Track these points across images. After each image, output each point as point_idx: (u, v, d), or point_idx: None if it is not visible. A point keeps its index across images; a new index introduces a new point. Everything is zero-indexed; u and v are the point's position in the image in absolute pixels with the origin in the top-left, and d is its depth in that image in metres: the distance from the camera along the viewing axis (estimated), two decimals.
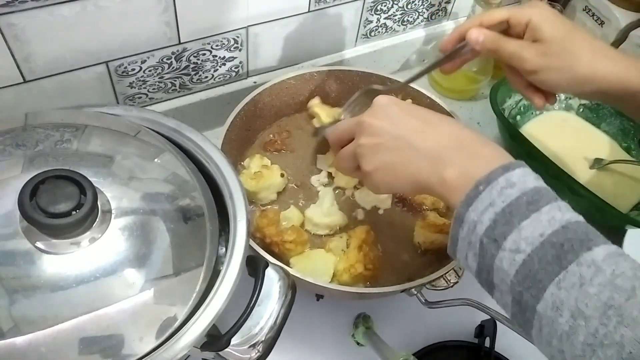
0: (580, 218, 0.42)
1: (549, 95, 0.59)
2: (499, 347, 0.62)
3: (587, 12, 0.91)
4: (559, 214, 0.41)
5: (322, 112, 0.74)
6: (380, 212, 0.70)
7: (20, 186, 0.35)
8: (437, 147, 0.46)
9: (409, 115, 0.49)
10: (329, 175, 0.72)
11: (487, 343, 0.63)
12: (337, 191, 0.71)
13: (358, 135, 0.51)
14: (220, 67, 0.76)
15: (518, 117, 0.85)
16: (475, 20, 0.57)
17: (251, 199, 0.67)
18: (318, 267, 0.61)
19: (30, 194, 0.35)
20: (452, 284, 0.61)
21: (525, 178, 0.42)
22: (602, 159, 0.81)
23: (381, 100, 0.51)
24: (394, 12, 0.85)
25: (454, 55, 0.60)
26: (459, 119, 0.68)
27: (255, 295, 0.41)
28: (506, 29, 0.57)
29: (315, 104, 0.74)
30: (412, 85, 0.76)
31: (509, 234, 0.39)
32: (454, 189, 0.43)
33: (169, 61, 0.70)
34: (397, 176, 0.48)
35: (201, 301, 0.40)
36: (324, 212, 0.66)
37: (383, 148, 0.49)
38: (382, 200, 0.70)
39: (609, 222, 0.74)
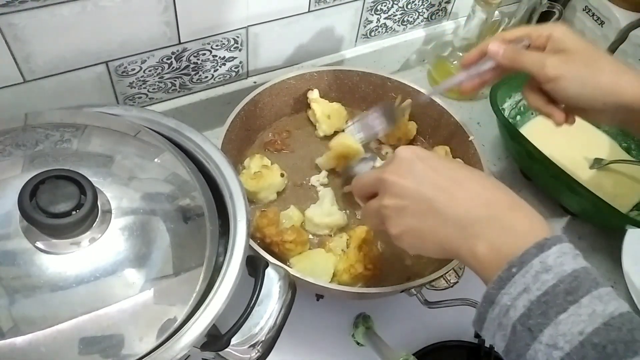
0: (624, 307, 0.37)
1: (568, 115, 0.58)
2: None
3: (587, 12, 0.91)
4: (600, 306, 0.36)
5: (319, 108, 0.74)
6: None
7: (20, 186, 0.35)
8: (466, 215, 0.43)
9: (434, 172, 0.46)
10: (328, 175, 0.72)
11: (487, 343, 0.63)
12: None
13: (381, 193, 0.48)
14: (220, 67, 0.76)
15: (518, 117, 0.85)
16: (496, 37, 0.58)
17: (251, 199, 0.67)
18: (318, 267, 0.61)
19: (30, 194, 0.35)
20: (452, 284, 0.61)
21: (562, 259, 0.38)
22: (602, 159, 0.81)
23: (403, 153, 0.48)
24: (394, 12, 0.85)
25: (474, 73, 0.59)
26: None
27: (255, 295, 0.41)
28: (527, 46, 0.56)
29: (314, 98, 0.75)
30: (412, 85, 0.76)
31: (546, 327, 0.36)
32: (486, 265, 0.41)
33: (169, 61, 0.70)
34: (425, 242, 0.45)
35: (201, 301, 0.40)
36: (324, 212, 0.66)
37: (408, 211, 0.45)
38: None
39: (609, 222, 0.74)
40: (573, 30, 0.54)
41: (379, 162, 0.63)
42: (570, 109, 0.57)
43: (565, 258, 0.38)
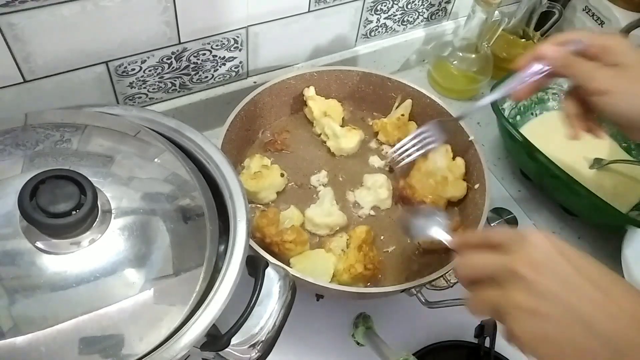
0: None
1: (596, 129, 0.56)
2: (498, 347, 0.62)
3: (587, 12, 0.91)
4: None
5: (315, 105, 0.74)
6: (381, 211, 0.70)
7: (20, 186, 0.35)
8: (620, 335, 0.36)
9: (582, 277, 0.39)
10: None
11: (487, 343, 0.63)
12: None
13: (509, 285, 0.39)
14: (220, 67, 0.76)
15: (518, 117, 0.85)
16: (551, 40, 0.56)
17: (251, 199, 0.67)
18: (318, 267, 0.61)
19: (30, 194, 0.35)
20: (452, 284, 0.61)
21: None
22: (602, 159, 0.81)
23: (539, 241, 0.40)
24: (394, 12, 0.85)
25: (527, 77, 0.56)
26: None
27: (255, 295, 0.41)
28: (581, 52, 0.54)
29: (310, 96, 0.75)
30: (412, 85, 0.76)
31: None
32: None
33: (169, 61, 0.70)
34: (562, 357, 0.38)
35: (201, 301, 0.40)
36: (324, 212, 0.66)
37: (547, 318, 0.38)
38: (382, 200, 0.70)
39: (609, 222, 0.74)
40: (630, 44, 0.52)
41: (444, 221, 0.53)
42: (613, 123, 0.55)
43: None
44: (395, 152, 0.72)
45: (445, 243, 0.48)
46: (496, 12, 0.83)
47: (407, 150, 0.71)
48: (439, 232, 0.50)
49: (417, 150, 0.71)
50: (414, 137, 0.71)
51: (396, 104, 0.78)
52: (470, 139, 0.71)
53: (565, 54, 0.53)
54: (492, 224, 0.72)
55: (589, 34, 0.54)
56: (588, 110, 0.55)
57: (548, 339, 0.38)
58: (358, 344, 0.64)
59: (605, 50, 0.52)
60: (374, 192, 0.69)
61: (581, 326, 0.37)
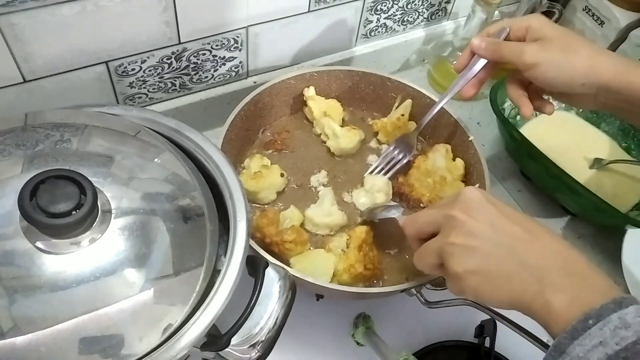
0: None
1: (545, 104, 0.61)
2: (498, 347, 0.62)
3: (587, 12, 0.91)
4: None
5: (315, 105, 0.74)
6: None
7: (20, 186, 0.35)
8: (545, 265, 0.42)
9: (509, 220, 0.45)
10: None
11: (487, 343, 0.63)
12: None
13: (447, 230, 0.46)
14: (220, 67, 0.76)
15: (518, 117, 0.85)
16: (479, 33, 0.61)
17: (251, 199, 0.67)
18: (318, 267, 0.61)
19: (30, 194, 0.35)
20: None
21: None
22: (602, 159, 0.81)
23: (472, 193, 0.47)
24: (394, 12, 0.85)
25: (469, 75, 0.61)
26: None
27: (255, 295, 0.41)
28: (508, 38, 0.59)
29: (310, 96, 0.75)
30: (412, 85, 0.76)
31: None
32: (559, 316, 0.40)
33: (169, 61, 0.70)
34: (494, 288, 0.44)
35: (201, 301, 0.40)
36: (324, 212, 0.66)
37: (479, 252, 0.44)
38: (382, 201, 0.70)
39: (609, 222, 0.74)
40: (548, 20, 0.57)
41: (404, 212, 0.60)
42: (552, 95, 0.60)
43: None
44: (371, 174, 0.72)
45: (397, 219, 0.56)
46: (496, 12, 0.83)
47: (382, 170, 0.72)
48: (394, 213, 0.59)
49: (390, 169, 0.72)
50: (385, 158, 0.73)
51: (396, 104, 0.78)
52: (470, 139, 0.71)
53: (493, 41, 0.59)
54: None
55: (510, 20, 0.59)
56: (532, 90, 0.61)
57: (482, 270, 0.44)
58: (358, 344, 0.64)
59: (527, 30, 0.57)
60: (371, 195, 0.69)
61: (511, 258, 0.43)
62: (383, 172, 0.72)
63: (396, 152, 0.73)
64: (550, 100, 0.63)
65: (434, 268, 0.48)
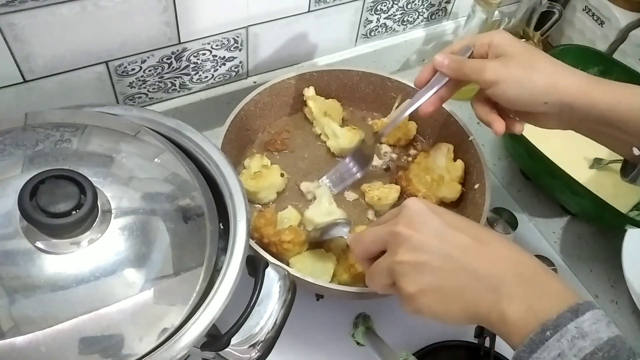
0: None
1: (514, 123, 0.59)
2: (498, 347, 0.62)
3: (587, 12, 0.91)
4: None
5: (315, 105, 0.74)
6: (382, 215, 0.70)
7: (20, 186, 0.35)
8: (497, 274, 0.41)
9: (454, 228, 0.44)
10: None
11: (487, 343, 0.63)
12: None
13: (393, 248, 0.44)
14: (220, 67, 0.76)
15: (518, 117, 0.85)
16: (443, 50, 0.59)
17: (251, 199, 0.67)
18: (318, 267, 0.61)
19: (30, 194, 0.35)
20: None
21: (597, 326, 0.37)
22: (602, 159, 0.81)
23: (414, 205, 0.45)
24: (394, 12, 0.85)
25: (429, 92, 0.59)
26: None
27: (255, 295, 0.41)
28: (471, 56, 0.57)
29: (310, 96, 0.75)
30: (412, 85, 0.76)
31: None
32: (516, 328, 0.39)
33: (169, 61, 0.70)
34: (448, 304, 0.42)
35: (201, 301, 0.40)
36: (323, 211, 0.66)
37: (429, 268, 0.42)
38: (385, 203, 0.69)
39: (609, 222, 0.74)
40: (512, 36, 0.55)
41: (353, 229, 0.59)
42: (518, 115, 0.58)
43: (600, 325, 0.37)
44: (329, 184, 0.71)
45: (345, 238, 0.56)
46: (496, 12, 0.83)
47: (336, 181, 0.71)
48: (341, 231, 0.58)
49: (341, 182, 0.71)
50: (336, 170, 0.71)
51: (396, 104, 0.78)
52: (470, 139, 0.71)
53: (455, 58, 0.56)
54: (492, 224, 0.72)
55: (474, 36, 0.57)
56: (500, 109, 0.58)
57: (434, 288, 0.42)
58: (358, 344, 0.64)
59: (490, 46, 0.55)
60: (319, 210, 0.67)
61: (461, 271, 0.42)
62: (332, 185, 0.70)
63: (351, 164, 0.72)
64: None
65: (386, 288, 0.47)
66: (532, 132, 0.81)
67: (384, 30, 0.87)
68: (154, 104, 0.75)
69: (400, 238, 0.44)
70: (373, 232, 0.48)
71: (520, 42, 0.55)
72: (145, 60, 0.68)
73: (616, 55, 0.88)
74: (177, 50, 0.69)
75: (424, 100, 0.60)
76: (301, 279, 0.55)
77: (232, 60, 0.76)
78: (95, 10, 0.59)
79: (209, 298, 0.40)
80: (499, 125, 0.58)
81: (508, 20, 0.85)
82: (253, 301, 0.41)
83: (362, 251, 0.49)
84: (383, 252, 0.47)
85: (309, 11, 0.76)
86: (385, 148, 0.77)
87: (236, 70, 0.78)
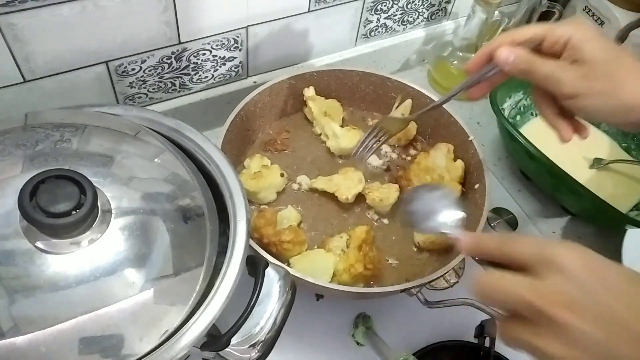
0: None
1: (580, 128, 0.53)
2: (498, 347, 0.62)
3: (587, 12, 0.91)
4: None
5: (315, 105, 0.74)
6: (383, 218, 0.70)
7: (20, 186, 0.35)
8: None
9: (622, 305, 0.33)
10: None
11: (487, 343, 0.63)
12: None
13: (541, 328, 0.34)
14: (220, 67, 0.76)
15: (518, 117, 0.85)
16: (506, 37, 0.50)
17: (251, 199, 0.67)
18: (318, 267, 0.61)
19: (30, 194, 0.35)
20: (452, 284, 0.61)
21: None
22: (602, 159, 0.81)
23: (573, 270, 0.34)
24: (394, 12, 0.85)
25: (480, 77, 0.53)
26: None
27: (255, 295, 0.41)
28: (540, 48, 0.50)
29: (310, 96, 0.75)
30: (412, 85, 0.76)
31: None
32: None
33: (169, 61, 0.70)
34: None
35: (201, 301, 0.40)
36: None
37: None
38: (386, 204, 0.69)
39: (609, 222, 0.74)
40: (588, 30, 0.48)
41: (450, 193, 0.48)
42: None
43: None
44: (357, 150, 0.70)
45: (455, 242, 0.42)
46: (496, 12, 0.83)
47: (367, 146, 0.70)
48: (448, 227, 0.45)
49: (374, 144, 0.69)
50: (370, 134, 0.69)
51: (396, 104, 0.78)
52: (470, 139, 0.71)
53: (525, 57, 0.49)
54: (492, 224, 0.72)
55: (546, 29, 0.49)
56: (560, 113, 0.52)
57: None
58: (358, 344, 0.64)
59: (566, 46, 0.48)
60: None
61: None
62: (367, 150, 0.69)
63: (379, 130, 0.69)
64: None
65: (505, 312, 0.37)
66: (532, 132, 0.81)
67: (384, 30, 0.87)
68: (154, 104, 0.75)
69: (550, 321, 0.33)
70: (510, 291, 0.36)
71: (604, 42, 0.48)
72: (145, 60, 0.68)
73: None
74: (177, 50, 0.69)
75: (471, 84, 0.54)
76: (301, 279, 0.55)
77: (232, 60, 0.76)
78: (95, 10, 0.59)
79: (209, 298, 0.40)
80: (567, 133, 0.52)
81: (508, 20, 0.85)
82: (253, 301, 0.41)
83: (493, 303, 0.39)
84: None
85: (308, 11, 0.76)
86: (385, 148, 0.77)
87: (236, 70, 0.78)
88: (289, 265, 0.61)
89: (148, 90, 0.73)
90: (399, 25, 0.89)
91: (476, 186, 0.69)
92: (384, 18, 0.85)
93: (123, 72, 0.68)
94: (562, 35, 0.48)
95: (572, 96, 0.48)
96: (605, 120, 0.50)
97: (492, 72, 0.52)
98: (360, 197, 0.70)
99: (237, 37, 0.73)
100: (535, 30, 0.50)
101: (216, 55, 0.74)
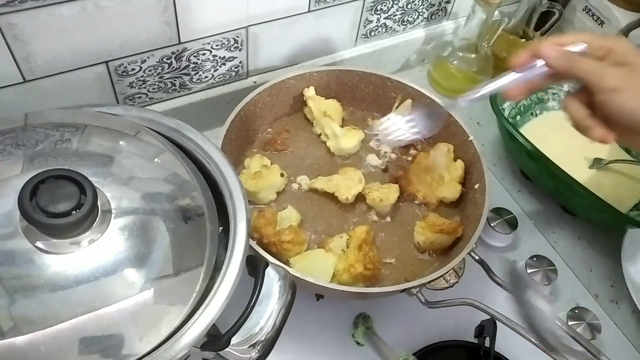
0: None
1: (607, 133, 0.52)
2: (498, 347, 0.62)
3: (587, 12, 0.91)
4: None
5: (315, 106, 0.74)
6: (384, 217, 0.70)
7: (20, 186, 0.35)
8: None
9: None
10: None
11: (486, 343, 0.63)
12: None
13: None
14: (220, 67, 0.76)
15: (518, 117, 0.85)
16: (550, 39, 0.52)
17: (251, 199, 0.67)
18: (318, 267, 0.61)
19: (30, 194, 0.35)
20: (452, 284, 0.61)
21: None
22: (601, 159, 0.81)
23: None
24: (394, 12, 0.85)
25: (522, 79, 0.53)
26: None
27: (255, 295, 0.41)
28: (584, 53, 0.51)
29: (310, 96, 0.75)
30: (412, 85, 0.76)
31: None
32: None
33: (169, 61, 0.70)
34: None
35: (201, 301, 0.40)
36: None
37: None
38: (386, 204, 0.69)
39: (609, 222, 0.74)
40: (632, 45, 0.50)
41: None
42: (623, 133, 0.51)
43: None
44: (385, 127, 0.64)
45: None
46: (496, 12, 0.83)
47: (398, 129, 0.64)
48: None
49: (404, 133, 0.64)
50: (409, 121, 0.64)
51: (396, 104, 0.78)
52: (470, 139, 0.71)
53: (567, 52, 0.51)
54: (492, 224, 0.72)
55: (590, 36, 0.51)
56: (592, 115, 0.52)
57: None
58: (358, 344, 0.64)
59: (610, 52, 0.50)
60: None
61: None
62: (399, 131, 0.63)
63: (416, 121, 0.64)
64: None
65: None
66: (532, 132, 0.81)
67: (384, 30, 0.87)
68: (154, 104, 0.75)
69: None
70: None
71: None
72: (145, 60, 0.68)
73: None
74: (177, 50, 0.69)
75: (509, 83, 0.54)
76: (301, 279, 0.55)
77: (232, 60, 0.76)
78: (95, 10, 0.59)
79: (209, 298, 0.40)
80: (598, 131, 0.51)
81: (508, 20, 0.85)
82: (253, 301, 0.41)
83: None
84: None
85: (309, 11, 0.76)
86: (384, 148, 0.77)
87: (236, 70, 0.78)
88: (289, 265, 0.61)
89: (148, 90, 0.73)
90: (399, 25, 0.89)
91: (476, 186, 0.69)
92: (384, 18, 0.85)
93: (123, 72, 0.68)
94: (605, 43, 0.50)
95: (612, 89, 0.48)
96: (633, 122, 0.49)
97: (536, 72, 0.53)
98: (360, 197, 0.70)
99: (237, 37, 0.73)
100: (579, 36, 0.52)
101: (216, 55, 0.74)
